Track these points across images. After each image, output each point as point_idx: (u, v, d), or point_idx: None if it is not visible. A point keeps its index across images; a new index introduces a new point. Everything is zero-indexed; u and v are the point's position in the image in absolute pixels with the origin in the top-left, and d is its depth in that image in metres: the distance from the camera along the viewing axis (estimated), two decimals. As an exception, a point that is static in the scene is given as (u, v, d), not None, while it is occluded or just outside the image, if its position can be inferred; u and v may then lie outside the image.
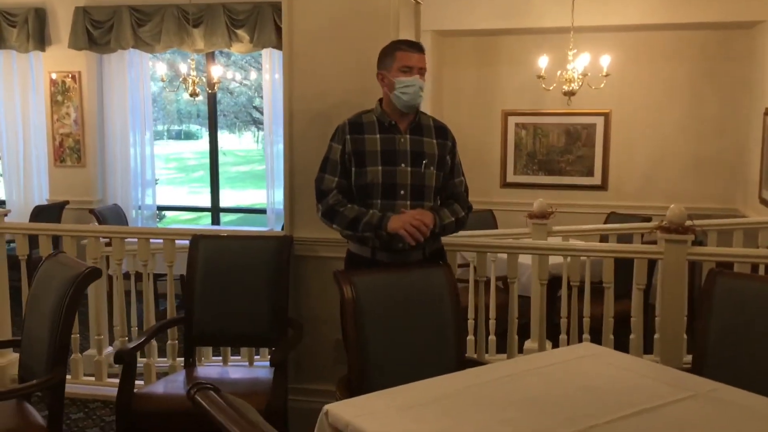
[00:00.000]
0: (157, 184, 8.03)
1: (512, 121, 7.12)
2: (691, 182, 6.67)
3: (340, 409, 2.10)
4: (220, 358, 4.28)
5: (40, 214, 6.73)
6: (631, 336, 3.96)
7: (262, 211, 7.54)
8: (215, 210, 7.69)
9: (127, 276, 4.62)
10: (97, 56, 7.28)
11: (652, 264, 4.19)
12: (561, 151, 7.05)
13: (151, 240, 4.19)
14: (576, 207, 6.71)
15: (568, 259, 4.04)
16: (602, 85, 5.80)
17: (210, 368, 3.95)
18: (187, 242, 3.75)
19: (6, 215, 4.34)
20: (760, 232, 4.86)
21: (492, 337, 4.27)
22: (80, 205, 7.23)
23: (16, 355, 4.20)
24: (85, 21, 6.98)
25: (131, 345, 3.15)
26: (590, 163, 6.98)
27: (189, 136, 19.80)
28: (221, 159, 7.66)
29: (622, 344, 3.96)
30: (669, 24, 6.29)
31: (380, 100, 3.06)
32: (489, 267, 4.29)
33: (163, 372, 4.09)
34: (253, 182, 16.17)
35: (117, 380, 4.02)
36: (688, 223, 3.45)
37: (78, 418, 3.96)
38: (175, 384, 3.28)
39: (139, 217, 7.55)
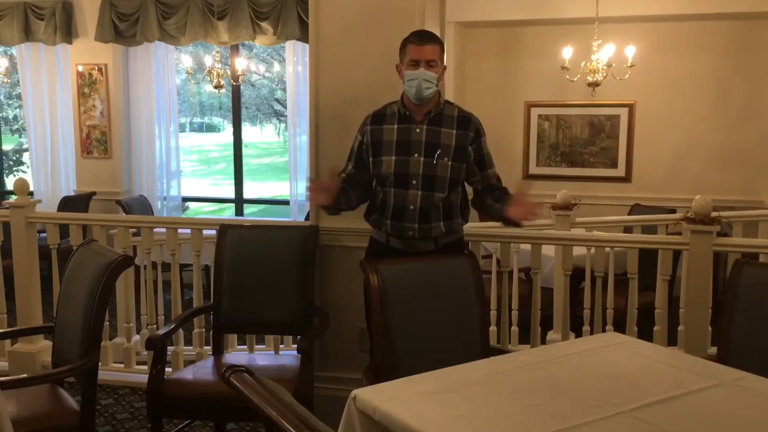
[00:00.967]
0: (181, 175, 8.12)
1: (535, 112, 7.10)
2: (715, 174, 6.62)
3: (368, 395, 2.14)
4: (245, 346, 4.34)
5: (67, 204, 6.84)
6: (656, 327, 3.96)
7: (285, 203, 7.60)
8: (239, 201, 7.77)
9: (153, 266, 4.70)
10: (123, 49, 7.37)
11: (676, 255, 4.18)
12: (584, 143, 7.02)
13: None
14: (599, 199, 6.70)
15: (592, 250, 4.05)
16: (627, 76, 5.77)
17: (237, 355, 4.02)
18: (213, 232, 3.81)
19: (36, 205, 4.43)
20: (785, 224, 4.82)
21: (515, 328, 4.30)
22: (107, 196, 7.34)
23: (48, 343, 4.31)
24: (112, 14, 7.06)
25: (161, 331, 3.21)
26: (614, 154, 6.95)
27: (211, 128, 19.91)
28: (243, 151, 7.72)
29: (645, 336, 3.94)
30: (694, 14, 6.24)
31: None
32: (512, 258, 4.31)
33: (190, 360, 4.16)
34: (275, 174, 16.23)
35: (145, 367, 4.16)
36: (714, 214, 3.44)
37: (108, 404, 4.04)
38: (204, 370, 3.34)
39: (164, 208, 7.65)
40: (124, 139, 7.52)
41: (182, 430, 3.58)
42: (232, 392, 1.72)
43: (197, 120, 19.40)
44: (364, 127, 3.11)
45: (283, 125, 15.82)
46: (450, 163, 3.00)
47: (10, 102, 11.14)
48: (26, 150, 8.92)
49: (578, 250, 4.16)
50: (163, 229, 4.27)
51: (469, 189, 3.20)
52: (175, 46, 7.37)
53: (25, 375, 3.02)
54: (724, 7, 6.07)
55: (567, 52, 5.74)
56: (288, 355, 3.91)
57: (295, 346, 4.16)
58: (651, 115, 6.75)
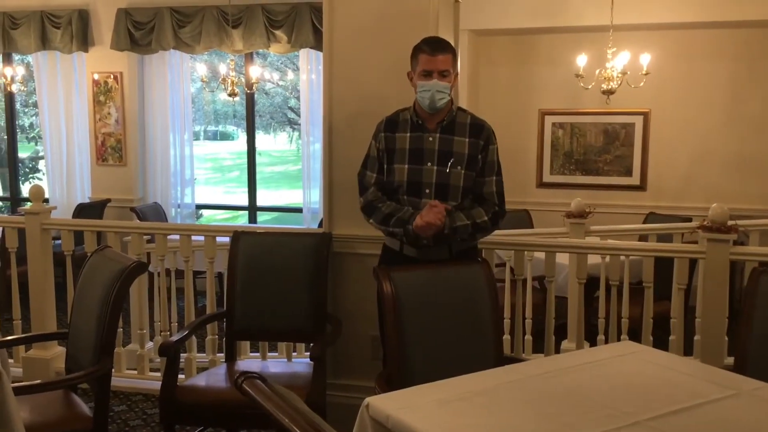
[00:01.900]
0: (195, 183, 8.15)
1: (549, 120, 7.08)
2: (732, 182, 6.56)
3: (381, 402, 2.12)
4: (258, 354, 4.34)
5: (82, 211, 6.89)
6: (671, 337, 3.92)
7: (298, 210, 7.61)
8: (252, 209, 7.78)
9: (166, 273, 4.71)
10: (138, 57, 7.42)
11: (692, 264, 4.14)
12: (599, 151, 6.99)
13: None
14: (614, 207, 6.66)
15: (607, 258, 4.01)
16: (642, 84, 5.74)
17: (250, 362, 4.01)
18: (226, 239, 3.81)
19: (51, 212, 4.45)
20: (803, 233, 4.77)
21: (528, 337, 4.27)
22: (121, 203, 7.38)
23: (61, 349, 4.33)
24: (127, 22, 7.12)
25: (175, 338, 3.21)
26: (629, 162, 6.92)
27: (225, 136, 19.99)
28: (256, 159, 7.75)
29: (660, 346, 3.89)
30: (710, 22, 6.21)
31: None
32: (525, 266, 4.29)
33: (203, 367, 4.16)
34: (288, 182, 16.26)
35: (158, 374, 4.16)
36: (731, 222, 3.41)
37: (121, 411, 4.05)
38: (217, 377, 3.34)
39: (178, 215, 7.68)
40: (139, 146, 7.56)
41: (194, 437, 3.58)
42: (244, 399, 1.71)
43: (211, 128, 19.50)
44: (378, 134, 3.10)
45: (296, 133, 15.87)
46: (463, 171, 2.98)
47: (27, 110, 11.24)
48: (42, 158, 9.00)
49: (593, 259, 4.13)
50: (177, 236, 4.29)
51: None
52: (190, 55, 7.41)
53: (39, 381, 3.03)
54: (739, 15, 6.03)
55: (581, 60, 5.72)
56: (300, 362, 3.89)
57: (308, 353, 4.17)
58: (666, 123, 6.71)
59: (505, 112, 7.10)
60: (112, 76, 7.41)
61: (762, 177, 6.50)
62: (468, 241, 3.08)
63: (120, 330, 4.23)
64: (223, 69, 6.65)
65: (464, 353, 2.84)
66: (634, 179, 6.91)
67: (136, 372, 4.35)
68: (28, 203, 4.38)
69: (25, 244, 4.33)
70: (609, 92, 5.73)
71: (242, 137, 8.49)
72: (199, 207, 8.23)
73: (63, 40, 7.32)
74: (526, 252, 4.12)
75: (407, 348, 2.76)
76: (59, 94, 7.69)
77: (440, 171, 2.97)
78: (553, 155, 7.14)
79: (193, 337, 4.26)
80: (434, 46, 2.97)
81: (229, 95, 6.79)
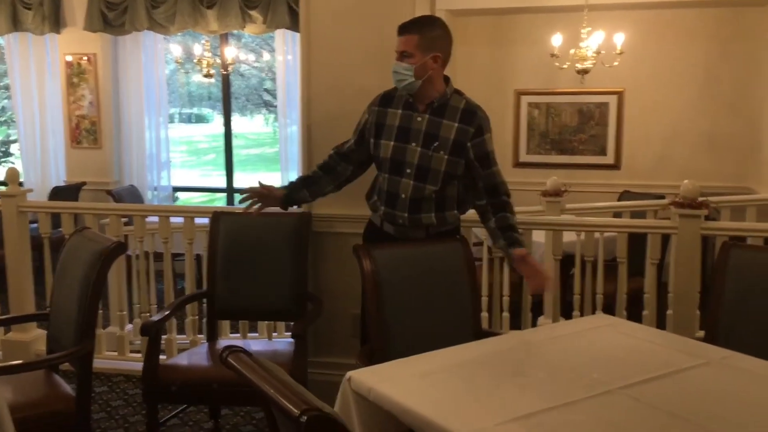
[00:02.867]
0: (171, 166, 8.11)
1: (525, 100, 7.13)
2: (704, 161, 6.67)
3: (363, 376, 2.17)
4: (238, 334, 4.36)
5: (58, 194, 6.84)
6: (644, 312, 4.01)
7: (277, 192, 7.60)
8: (230, 191, 7.77)
9: (145, 256, 4.70)
10: (111, 38, 7.35)
11: (665, 241, 4.22)
12: (574, 131, 7.06)
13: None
14: (589, 186, 6.74)
15: (582, 236, 4.08)
16: (615, 63, 5.80)
17: (231, 342, 4.03)
18: (205, 221, 3.82)
19: (28, 194, 4.42)
20: (773, 209, 4.88)
21: (506, 314, 4.33)
22: (97, 186, 7.33)
23: (41, 332, 4.32)
24: (100, 3, 7.03)
25: (156, 317, 3.23)
26: (603, 142, 7.00)
27: (200, 119, 19.78)
28: (233, 141, 7.72)
29: (634, 321, 4.00)
30: (683, 2, 6.29)
31: None
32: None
33: (184, 348, 4.17)
34: (265, 165, 16.19)
35: (139, 355, 4.18)
36: (701, 198, 3.48)
37: (102, 392, 4.06)
38: (199, 356, 3.36)
39: (154, 198, 7.65)
40: (114, 129, 7.50)
41: (177, 416, 3.61)
42: (227, 377, 1.74)
43: (186, 111, 19.30)
44: (372, 106, 3.09)
45: (272, 116, 15.76)
46: (446, 156, 2.93)
47: (-1, 92, 11.07)
48: (14, 141, 8.88)
49: (568, 237, 4.20)
50: (155, 219, 4.28)
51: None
52: (164, 36, 7.35)
53: (20, 361, 3.03)
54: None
55: (556, 40, 5.76)
56: (281, 341, 3.93)
57: (288, 333, 4.20)
58: (640, 102, 6.79)
59: (481, 93, 7.00)
60: (85, 58, 7.33)
61: (733, 155, 6.61)
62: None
63: (99, 312, 4.26)
64: (198, 50, 6.61)
65: (444, 328, 2.89)
66: (609, 158, 6.99)
67: (116, 354, 4.36)
68: (2, 187, 4.34)
69: (1, 228, 4.31)
70: (584, 71, 5.78)
71: (218, 120, 8.43)
72: (176, 189, 8.19)
73: (35, 21, 7.22)
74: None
75: (388, 324, 2.80)
76: (32, 77, 7.58)
77: (423, 153, 2.95)
78: (529, 135, 7.20)
79: (173, 319, 4.28)
80: (401, 26, 2.95)
81: (205, 76, 6.77)
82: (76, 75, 7.38)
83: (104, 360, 4.31)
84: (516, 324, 4.12)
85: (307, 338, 3.38)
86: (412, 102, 3.01)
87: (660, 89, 6.72)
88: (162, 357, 3.50)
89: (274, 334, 4.44)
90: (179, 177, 11.60)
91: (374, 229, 3.15)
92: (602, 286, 4.15)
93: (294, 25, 6.52)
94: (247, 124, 19.00)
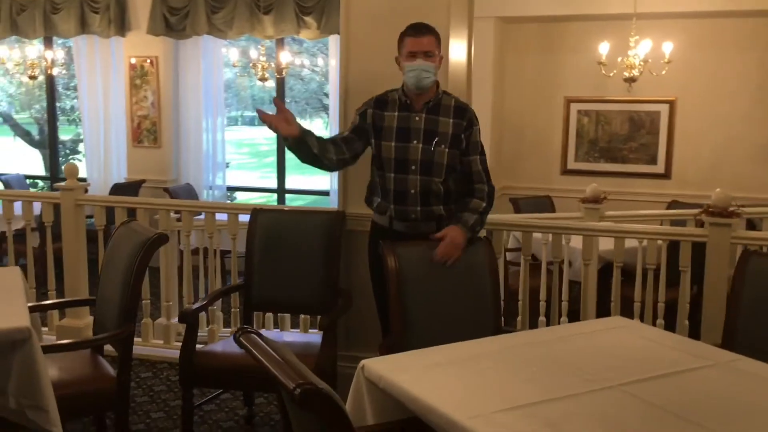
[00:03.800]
0: (227, 168, 8.37)
1: (575, 107, 7.13)
2: (758, 171, 6.55)
3: (375, 364, 2.29)
4: (278, 328, 4.52)
5: (118, 191, 7.14)
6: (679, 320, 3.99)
7: (326, 193, 7.78)
8: (281, 191, 7.98)
9: (195, 252, 4.92)
10: (173, 42, 7.64)
11: (702, 250, 4.19)
12: (624, 139, 7.03)
13: (217, 216, 4.47)
14: (638, 195, 6.70)
15: (624, 242, 4.08)
16: (664, 72, 5.77)
17: (267, 332, 4.19)
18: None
19: (86, 190, 4.68)
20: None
21: (542, 318, 4.36)
22: (156, 183, 7.62)
23: (93, 318, 4.55)
24: (163, 8, 7.33)
25: (195, 306, 3.42)
26: (654, 151, 6.94)
27: (261, 122, 20.16)
28: (288, 144, 7.91)
29: (670, 330, 3.98)
30: (734, 11, 6.21)
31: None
32: (539, 250, 4.39)
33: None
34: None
35: (182, 343, 4.37)
36: (733, 207, 3.48)
37: (147, 377, 4.27)
38: (233, 344, 3.51)
39: (210, 197, 7.90)
40: (173, 129, 7.79)
41: (214, 401, 3.78)
42: (257, 364, 1.81)
43: (249, 113, 19.74)
44: (366, 109, 3.27)
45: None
46: (447, 150, 3.16)
47: (68, 93, 11.59)
48: (82, 140, 9.31)
49: (608, 245, 4.18)
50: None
51: None
52: (224, 40, 7.61)
53: (66, 341, 3.24)
54: (764, 5, 6.01)
55: (604, 48, 5.77)
56: (315, 335, 4.06)
57: (324, 327, 4.32)
58: (692, 111, 6.72)
59: (531, 100, 7.18)
60: (148, 60, 7.64)
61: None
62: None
63: (147, 302, 4.49)
64: (254, 54, 6.84)
65: (464, 325, 2.98)
66: (659, 167, 6.93)
67: (162, 342, 4.58)
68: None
69: (60, 221, 4.57)
70: (631, 80, 5.78)
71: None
72: (231, 189, 8.44)
73: (101, 25, 7.56)
74: (541, 236, 4.22)
75: (409, 319, 2.91)
76: (98, 78, 7.94)
77: (425, 149, 3.16)
78: (578, 143, 7.19)
79: (220, 312, 4.49)
80: (418, 28, 3.14)
81: (260, 80, 6.98)
82: (138, 77, 7.70)
83: (151, 348, 4.53)
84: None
85: (336, 331, 3.51)
86: (408, 103, 3.19)
87: (713, 98, 6.64)
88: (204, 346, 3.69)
89: (313, 331, 4.58)
90: (239, 178, 11.93)
91: (382, 229, 3.29)
92: (640, 293, 4.15)
93: (346, 31, 6.67)
94: (307, 128, 19.20)
